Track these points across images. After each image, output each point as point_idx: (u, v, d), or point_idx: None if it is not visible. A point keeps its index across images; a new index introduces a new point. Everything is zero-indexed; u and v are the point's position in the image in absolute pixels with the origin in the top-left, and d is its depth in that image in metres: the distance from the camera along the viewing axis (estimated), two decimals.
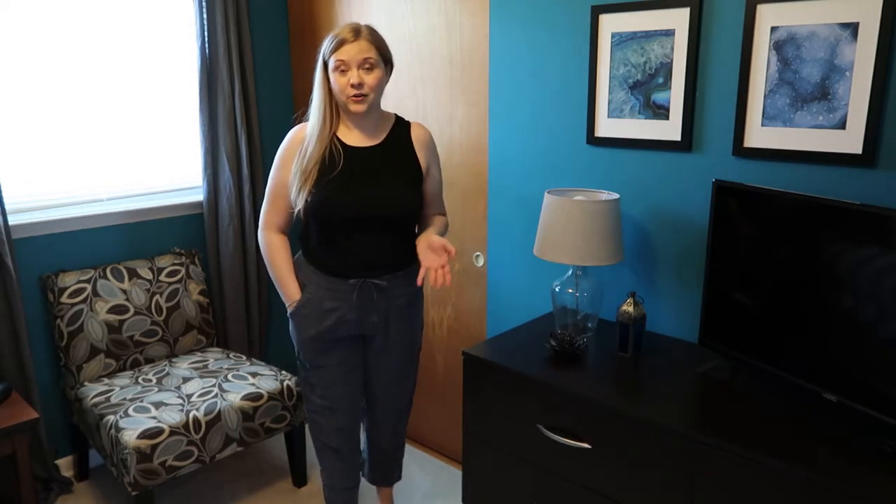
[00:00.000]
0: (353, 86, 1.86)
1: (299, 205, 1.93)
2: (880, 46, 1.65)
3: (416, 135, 2.05)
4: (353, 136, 1.98)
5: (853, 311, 1.56)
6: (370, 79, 1.87)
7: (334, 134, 1.96)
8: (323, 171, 1.92)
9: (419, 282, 1.94)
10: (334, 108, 1.95)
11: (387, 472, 2.44)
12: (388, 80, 1.96)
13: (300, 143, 1.97)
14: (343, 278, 1.99)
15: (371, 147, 1.98)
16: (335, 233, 1.97)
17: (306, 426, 2.71)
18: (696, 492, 1.62)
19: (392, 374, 2.19)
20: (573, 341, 2.01)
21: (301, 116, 2.04)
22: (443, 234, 2.13)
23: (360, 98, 1.88)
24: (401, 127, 2.05)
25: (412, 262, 2.07)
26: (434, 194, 2.13)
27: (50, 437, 2.72)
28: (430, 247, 1.95)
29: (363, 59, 1.86)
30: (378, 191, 1.95)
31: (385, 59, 1.92)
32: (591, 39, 2.17)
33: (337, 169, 1.93)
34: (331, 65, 1.88)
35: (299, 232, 2.09)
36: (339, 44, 1.86)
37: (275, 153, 3.14)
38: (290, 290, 2.05)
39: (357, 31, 1.87)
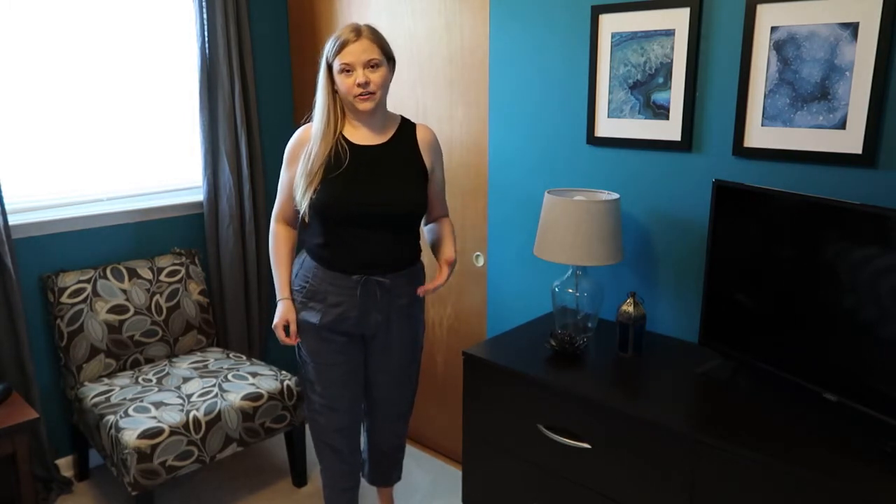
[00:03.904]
0: (359, 85, 1.88)
1: (304, 204, 1.95)
2: (880, 46, 1.65)
3: (421, 136, 2.06)
4: (359, 135, 2.00)
5: (853, 311, 1.56)
6: (375, 77, 1.90)
7: (340, 133, 1.98)
8: (328, 170, 1.94)
9: (420, 292, 2.05)
10: (338, 109, 1.98)
11: (387, 473, 2.43)
12: (392, 77, 1.99)
13: (306, 143, 1.99)
14: (346, 274, 2.00)
15: (376, 146, 2.00)
16: (339, 230, 1.98)
17: (306, 426, 2.72)
18: (696, 492, 1.62)
19: (393, 374, 2.19)
20: (573, 341, 2.01)
21: (307, 119, 2.05)
22: (454, 234, 2.17)
23: (367, 96, 1.90)
24: (407, 128, 2.06)
25: (415, 261, 2.10)
26: (438, 195, 2.14)
27: (50, 437, 2.72)
28: (446, 262, 2.06)
29: (367, 60, 1.88)
30: (382, 189, 1.96)
31: (388, 57, 1.95)
32: (591, 39, 2.17)
33: (342, 166, 1.95)
34: (336, 67, 1.90)
35: (299, 228, 2.11)
36: (342, 45, 1.88)
37: (275, 153, 3.17)
38: (281, 283, 2.10)
39: (358, 31, 1.89)
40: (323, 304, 2.03)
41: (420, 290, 2.05)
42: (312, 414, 2.18)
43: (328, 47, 1.92)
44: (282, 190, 2.08)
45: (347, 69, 1.88)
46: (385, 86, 1.94)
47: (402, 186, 1.99)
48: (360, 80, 1.87)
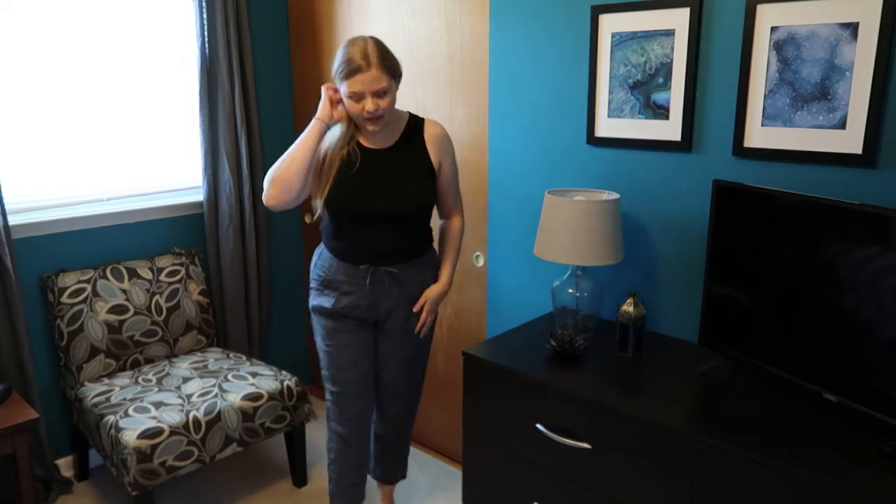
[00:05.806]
0: (368, 111, 1.91)
1: (318, 203, 2.04)
2: (880, 46, 1.65)
3: (428, 133, 2.10)
4: (370, 140, 2.06)
5: (853, 310, 1.56)
6: (384, 103, 1.92)
7: (354, 138, 2.04)
8: (341, 171, 2.02)
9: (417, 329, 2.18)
10: (352, 120, 2.02)
11: (391, 469, 2.46)
12: (398, 88, 1.99)
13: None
14: (356, 265, 2.08)
15: (385, 149, 2.06)
16: (348, 225, 2.07)
17: (306, 426, 2.73)
18: (697, 492, 1.62)
19: (401, 360, 2.24)
20: (573, 341, 2.01)
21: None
22: (458, 251, 2.24)
23: (376, 121, 1.95)
24: (414, 126, 2.10)
25: (425, 252, 2.16)
26: (448, 188, 2.18)
27: (50, 437, 2.72)
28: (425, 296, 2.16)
29: (377, 89, 1.89)
30: (388, 190, 2.03)
31: (395, 77, 1.95)
32: (591, 39, 2.17)
33: (354, 169, 2.02)
34: (344, 91, 1.91)
35: (321, 224, 2.17)
36: (352, 73, 1.87)
37: (275, 153, 3.22)
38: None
39: (367, 57, 1.87)
40: (336, 292, 2.12)
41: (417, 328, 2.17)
42: (327, 402, 2.24)
43: (336, 67, 1.91)
44: None
45: (356, 97, 1.90)
46: (393, 107, 1.97)
47: (408, 187, 2.05)
48: (370, 108, 1.90)
